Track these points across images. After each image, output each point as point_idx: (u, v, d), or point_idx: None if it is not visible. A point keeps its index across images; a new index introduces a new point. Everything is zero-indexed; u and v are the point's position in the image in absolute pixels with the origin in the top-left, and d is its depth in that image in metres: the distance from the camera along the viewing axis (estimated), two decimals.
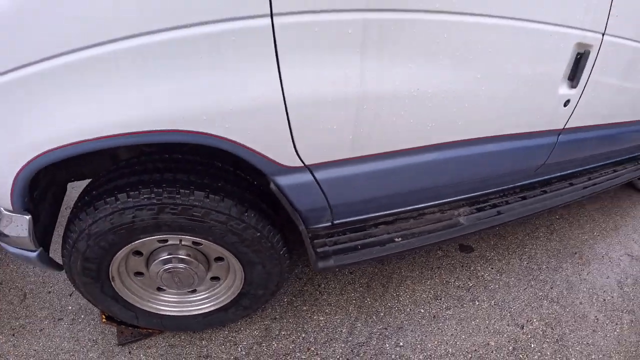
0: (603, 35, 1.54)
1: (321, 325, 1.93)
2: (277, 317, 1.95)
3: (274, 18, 0.89)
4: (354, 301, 2.08)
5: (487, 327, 2.04)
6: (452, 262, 2.36)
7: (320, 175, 1.26)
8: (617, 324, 2.21)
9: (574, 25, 1.43)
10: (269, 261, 1.40)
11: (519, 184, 2.13)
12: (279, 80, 0.96)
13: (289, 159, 1.15)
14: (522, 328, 2.07)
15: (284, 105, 0.96)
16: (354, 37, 0.96)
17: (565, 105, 1.66)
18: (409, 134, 1.34)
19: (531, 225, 2.74)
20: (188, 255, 1.38)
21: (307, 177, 1.23)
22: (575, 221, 2.94)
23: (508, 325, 2.07)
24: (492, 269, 2.35)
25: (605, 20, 1.51)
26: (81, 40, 0.83)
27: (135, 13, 0.82)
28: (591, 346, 2.03)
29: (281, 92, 0.96)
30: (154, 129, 0.94)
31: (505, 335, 2.02)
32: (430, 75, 1.20)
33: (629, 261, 2.73)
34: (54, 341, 1.76)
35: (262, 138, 1.04)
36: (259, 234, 1.27)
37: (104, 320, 1.64)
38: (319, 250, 1.53)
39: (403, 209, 1.80)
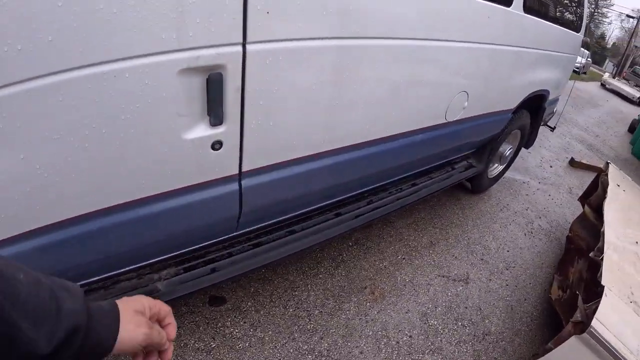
0: (244, 45, 1.07)
1: None
2: None
3: None
4: None
5: None
6: (197, 318, 1.89)
7: None
8: None
9: (162, 50, 0.95)
10: None
11: (247, 230, 1.66)
12: None
13: None
14: None
15: None
16: None
17: (216, 148, 1.19)
18: None
19: (311, 261, 2.30)
20: None
21: None
22: (373, 245, 2.52)
23: None
24: (245, 323, 1.90)
25: (240, 25, 1.04)
26: None
27: None
28: None
29: None
30: None
31: None
32: None
33: (443, 284, 2.39)
34: None
35: None
36: None
37: None
38: None
39: (96, 279, 1.38)
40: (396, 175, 2.22)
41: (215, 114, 1.13)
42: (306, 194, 1.66)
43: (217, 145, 1.20)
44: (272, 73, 1.16)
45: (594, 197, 2.93)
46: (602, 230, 2.13)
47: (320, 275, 2.21)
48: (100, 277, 1.38)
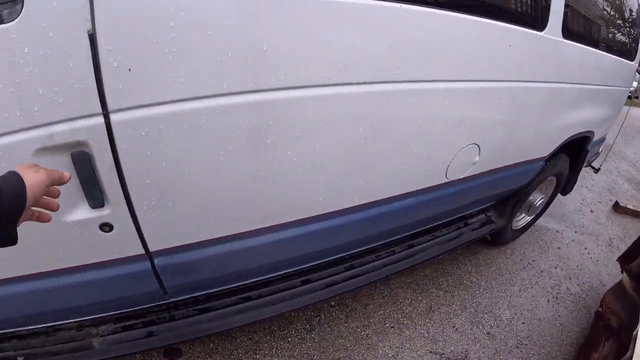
0: (106, 115, 0.84)
1: None
2: None
3: None
4: None
5: None
6: None
7: None
8: None
9: (8, 131, 0.80)
10: None
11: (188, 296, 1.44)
12: None
13: None
14: None
15: None
16: None
17: (105, 230, 0.99)
18: None
19: (282, 320, 2.02)
20: None
21: None
22: (359, 307, 2.19)
23: None
24: None
25: (94, 91, 0.80)
26: None
27: None
28: None
29: None
30: None
31: None
32: None
33: None
34: None
35: None
36: None
37: None
38: None
39: (38, 326, 1.31)
40: (381, 240, 1.90)
41: (92, 196, 0.92)
42: (247, 269, 1.40)
43: (106, 227, 1.00)
44: (155, 145, 0.91)
45: (635, 264, 2.42)
46: (634, 333, 1.68)
47: (290, 339, 1.94)
48: (41, 325, 1.30)
